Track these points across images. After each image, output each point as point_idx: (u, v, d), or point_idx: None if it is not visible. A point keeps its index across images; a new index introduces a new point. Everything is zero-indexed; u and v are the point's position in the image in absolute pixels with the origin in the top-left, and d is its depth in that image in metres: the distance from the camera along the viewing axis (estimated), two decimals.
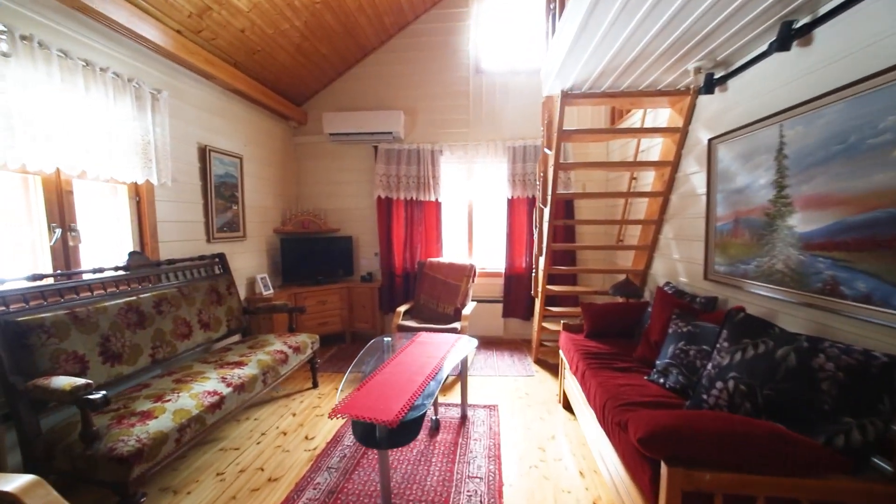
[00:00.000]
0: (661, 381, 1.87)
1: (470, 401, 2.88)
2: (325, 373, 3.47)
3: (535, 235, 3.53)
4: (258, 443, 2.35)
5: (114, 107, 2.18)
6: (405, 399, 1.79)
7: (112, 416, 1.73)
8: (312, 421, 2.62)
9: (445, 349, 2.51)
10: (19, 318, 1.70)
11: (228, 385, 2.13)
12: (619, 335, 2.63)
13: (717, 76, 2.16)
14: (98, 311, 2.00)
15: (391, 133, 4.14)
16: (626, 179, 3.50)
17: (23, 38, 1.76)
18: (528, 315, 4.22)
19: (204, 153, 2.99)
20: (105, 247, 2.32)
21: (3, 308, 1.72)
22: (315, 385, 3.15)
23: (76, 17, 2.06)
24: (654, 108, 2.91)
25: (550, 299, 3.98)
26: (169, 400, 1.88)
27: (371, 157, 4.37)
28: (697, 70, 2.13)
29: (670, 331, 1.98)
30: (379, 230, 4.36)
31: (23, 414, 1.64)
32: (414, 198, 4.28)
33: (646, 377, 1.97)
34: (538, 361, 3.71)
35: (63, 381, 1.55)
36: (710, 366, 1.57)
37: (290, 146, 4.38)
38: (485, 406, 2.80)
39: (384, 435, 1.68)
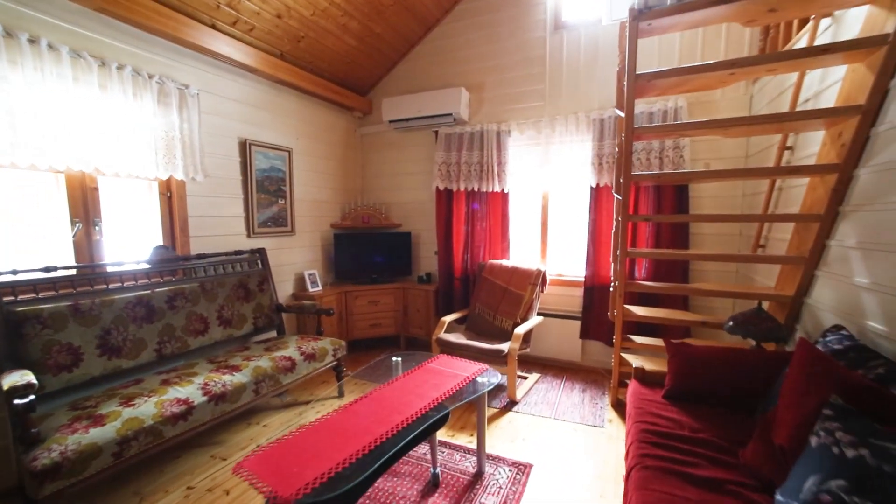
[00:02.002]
0: None
1: (498, 450, 2.21)
2: (364, 381, 3.19)
3: (612, 236, 2.57)
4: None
5: (132, 104, 2.23)
6: (331, 464, 1.29)
7: (75, 415, 1.69)
8: None
9: (451, 385, 1.91)
10: (17, 308, 1.80)
11: (206, 393, 1.97)
12: (726, 403, 1.61)
13: None
14: (104, 304, 2.05)
15: (451, 114, 3.61)
16: (775, 152, 2.23)
17: (30, 40, 1.84)
18: (612, 340, 3.21)
19: (245, 147, 2.98)
20: (135, 242, 2.43)
21: (12, 297, 1.84)
22: (340, 395, 2.90)
23: (98, 18, 2.13)
24: (832, 8, 1.67)
25: (646, 326, 2.94)
26: (133, 404, 1.79)
27: (433, 144, 3.92)
28: None
29: (814, 441, 0.99)
30: (437, 226, 3.90)
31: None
32: (476, 188, 3.67)
33: None
34: (617, 406, 2.74)
35: (9, 380, 1.53)
36: None
37: (353, 138, 4.24)
38: (514, 463, 2.10)
39: None
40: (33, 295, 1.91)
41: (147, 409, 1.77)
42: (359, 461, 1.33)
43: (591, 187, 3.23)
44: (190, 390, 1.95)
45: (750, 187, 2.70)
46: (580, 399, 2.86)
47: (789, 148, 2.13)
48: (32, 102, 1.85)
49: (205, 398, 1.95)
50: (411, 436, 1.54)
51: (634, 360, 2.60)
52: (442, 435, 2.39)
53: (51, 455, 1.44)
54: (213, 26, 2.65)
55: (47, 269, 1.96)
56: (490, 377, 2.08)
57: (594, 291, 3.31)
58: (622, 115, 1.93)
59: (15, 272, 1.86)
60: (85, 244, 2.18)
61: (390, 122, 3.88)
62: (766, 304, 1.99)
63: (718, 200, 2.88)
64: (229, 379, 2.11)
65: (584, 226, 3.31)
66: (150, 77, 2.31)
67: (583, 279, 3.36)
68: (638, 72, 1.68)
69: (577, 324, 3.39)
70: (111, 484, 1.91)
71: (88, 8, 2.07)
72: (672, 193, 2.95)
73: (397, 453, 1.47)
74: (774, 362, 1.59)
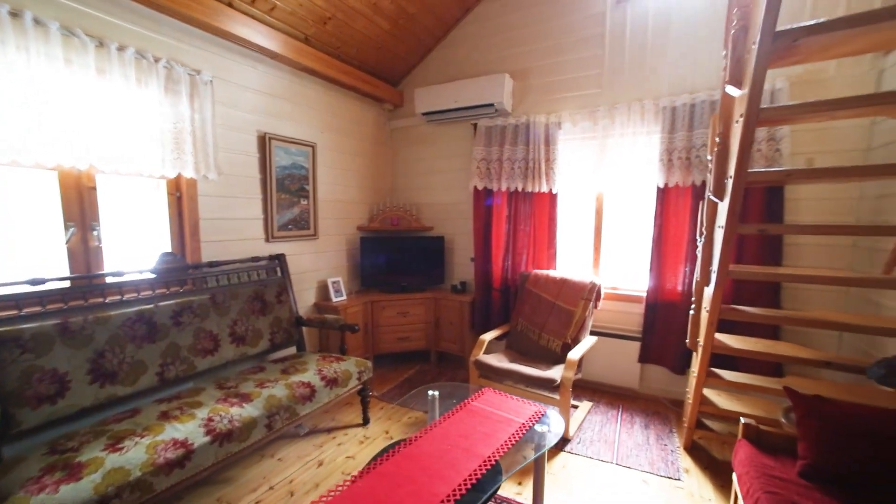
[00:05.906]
0: None
1: None
2: (390, 403, 2.85)
3: (700, 249, 2.09)
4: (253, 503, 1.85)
5: (136, 91, 1.94)
6: None
7: (50, 462, 1.40)
8: (332, 480, 2.00)
9: (505, 436, 1.51)
10: None
11: (209, 432, 1.65)
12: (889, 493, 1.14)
13: None
14: (98, 321, 1.77)
15: (492, 105, 3.20)
16: None
17: (12, 13, 1.57)
18: (680, 367, 2.73)
19: (264, 142, 2.68)
20: (141, 248, 2.15)
21: None
22: (365, 422, 2.55)
23: None
24: None
25: (725, 358, 2.42)
26: (121, 447, 1.48)
27: (471, 139, 3.52)
28: None
29: None
30: (474, 230, 3.50)
31: None
32: (520, 188, 3.25)
33: None
34: (692, 450, 2.27)
35: None
36: None
37: (384, 133, 3.90)
38: None
39: None
40: (15, 312, 1.64)
41: (136, 454, 1.46)
42: None
43: (659, 188, 2.75)
44: (190, 428, 1.64)
45: (875, 187, 2.16)
46: (644, 438, 2.41)
47: None
48: (13, 88, 1.58)
49: (207, 438, 1.63)
50: None
51: (722, 400, 2.13)
52: None
53: None
54: (230, 4, 2.34)
55: (34, 282, 1.69)
56: (551, 424, 1.67)
57: (657, 309, 2.83)
58: (736, 93, 1.47)
59: None
60: (81, 252, 1.91)
61: (423, 114, 3.51)
62: None
63: (826, 204, 2.34)
64: (237, 413, 1.79)
65: (648, 233, 2.84)
66: (157, 60, 2.01)
67: (644, 294, 2.89)
68: (779, 28, 1.22)
69: (636, 345, 2.92)
70: None
71: None
72: (761, 196, 2.43)
73: None
74: None
